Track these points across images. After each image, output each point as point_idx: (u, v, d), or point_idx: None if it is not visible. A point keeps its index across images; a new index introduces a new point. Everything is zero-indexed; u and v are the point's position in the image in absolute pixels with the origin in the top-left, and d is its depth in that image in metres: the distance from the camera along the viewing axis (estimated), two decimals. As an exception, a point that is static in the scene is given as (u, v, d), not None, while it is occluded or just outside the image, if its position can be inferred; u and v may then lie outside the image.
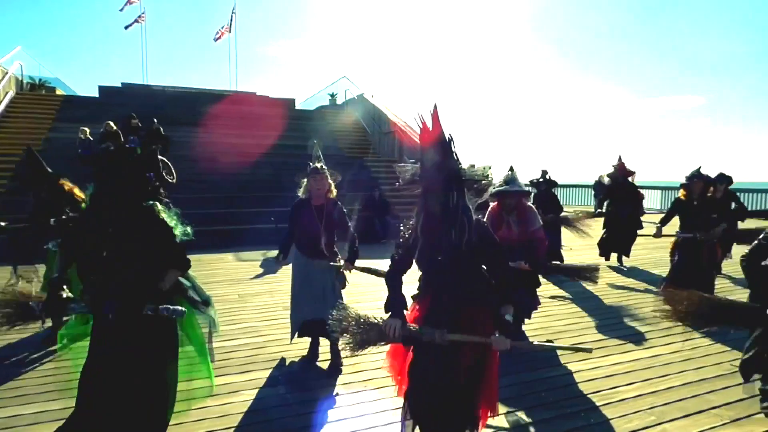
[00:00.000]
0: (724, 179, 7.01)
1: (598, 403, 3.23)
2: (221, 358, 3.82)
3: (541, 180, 8.76)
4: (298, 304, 3.88)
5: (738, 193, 7.33)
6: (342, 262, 3.83)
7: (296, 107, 19.96)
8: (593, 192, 16.34)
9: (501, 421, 2.97)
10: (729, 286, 6.55)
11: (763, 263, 2.71)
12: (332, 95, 21.24)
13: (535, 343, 3.33)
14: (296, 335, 3.92)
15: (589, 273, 4.18)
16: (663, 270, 6.79)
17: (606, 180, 8.96)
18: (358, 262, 3.85)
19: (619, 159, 8.41)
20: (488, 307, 2.35)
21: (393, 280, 2.49)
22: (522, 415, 3.09)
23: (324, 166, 3.78)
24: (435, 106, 2.21)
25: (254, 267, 7.76)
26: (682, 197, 5.72)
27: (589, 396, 3.35)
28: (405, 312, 2.43)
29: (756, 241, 2.84)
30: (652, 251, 8.77)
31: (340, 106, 20.53)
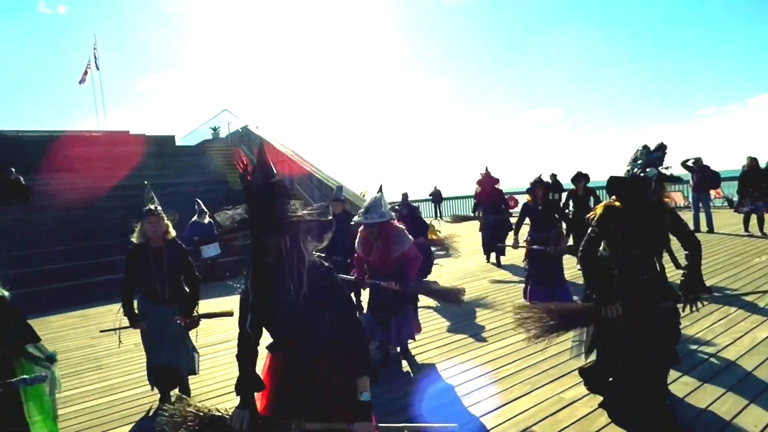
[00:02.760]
0: (581, 177, 8.09)
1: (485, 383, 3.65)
2: (124, 408, 3.68)
3: (400, 205, 7.93)
4: (150, 349, 3.75)
5: (597, 190, 8.48)
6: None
7: (176, 143, 19.11)
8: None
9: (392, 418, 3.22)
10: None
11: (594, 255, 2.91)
12: (215, 129, 20.68)
13: (403, 425, 2.57)
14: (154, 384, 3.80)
15: (454, 296, 4.25)
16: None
17: (477, 189, 9.91)
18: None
19: (486, 169, 9.44)
20: (349, 379, 1.98)
21: (241, 355, 2.07)
22: (439, 400, 3.37)
23: (158, 207, 3.66)
24: (261, 144, 2.13)
25: (123, 320, 7.26)
26: (529, 202, 6.24)
27: (480, 377, 3.76)
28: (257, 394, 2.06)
29: (587, 235, 2.94)
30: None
31: (224, 140, 20.07)
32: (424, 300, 5.24)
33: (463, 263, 9.20)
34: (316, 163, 14.80)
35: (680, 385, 3.35)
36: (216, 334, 5.61)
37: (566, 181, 8.72)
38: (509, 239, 7.40)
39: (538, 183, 5.96)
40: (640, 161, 2.87)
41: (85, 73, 20.91)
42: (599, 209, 2.96)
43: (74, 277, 9.49)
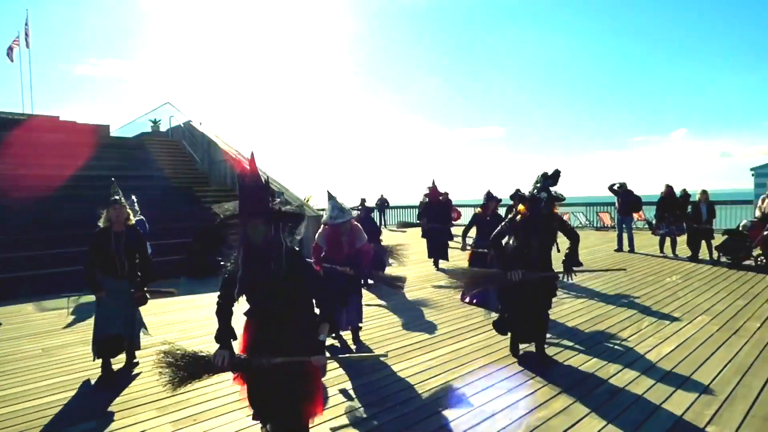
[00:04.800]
0: (516, 196, 8.56)
1: (412, 395, 3.74)
2: (19, 422, 3.44)
3: (360, 207, 9.79)
4: (100, 322, 4.33)
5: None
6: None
7: (111, 134, 18.10)
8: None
9: (341, 420, 3.25)
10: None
11: (503, 242, 4.35)
12: (154, 121, 19.77)
13: (347, 356, 3.87)
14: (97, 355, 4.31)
15: (397, 282, 5.29)
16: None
17: (425, 200, 10.43)
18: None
19: (433, 183, 9.89)
20: (309, 329, 2.68)
21: (221, 312, 2.70)
22: (357, 413, 3.40)
23: (122, 198, 4.42)
24: (252, 154, 2.68)
25: (62, 316, 6.86)
26: (479, 213, 7.32)
27: (403, 391, 3.83)
28: (234, 341, 2.70)
29: (500, 226, 4.41)
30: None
31: (164, 134, 19.24)
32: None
33: (409, 271, 9.37)
34: (260, 165, 14.53)
35: (581, 406, 3.60)
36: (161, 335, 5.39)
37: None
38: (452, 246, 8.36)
39: (491, 198, 7.14)
40: (538, 185, 4.22)
41: (11, 49, 19.40)
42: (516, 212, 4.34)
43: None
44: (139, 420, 3.47)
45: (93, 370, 4.49)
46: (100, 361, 4.37)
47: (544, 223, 4.21)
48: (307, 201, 10.82)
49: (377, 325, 5.81)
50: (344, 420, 3.38)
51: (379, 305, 6.80)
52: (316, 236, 5.13)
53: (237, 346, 2.77)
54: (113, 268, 4.35)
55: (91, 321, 6.33)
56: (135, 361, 4.67)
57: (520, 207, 4.31)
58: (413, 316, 6.17)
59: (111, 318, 4.34)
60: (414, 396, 3.74)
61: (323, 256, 5.05)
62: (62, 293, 8.06)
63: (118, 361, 4.60)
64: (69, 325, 6.38)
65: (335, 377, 4.14)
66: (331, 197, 4.87)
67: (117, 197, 4.41)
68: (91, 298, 5.18)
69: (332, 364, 4.39)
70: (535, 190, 4.20)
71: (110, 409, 3.69)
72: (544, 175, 4.19)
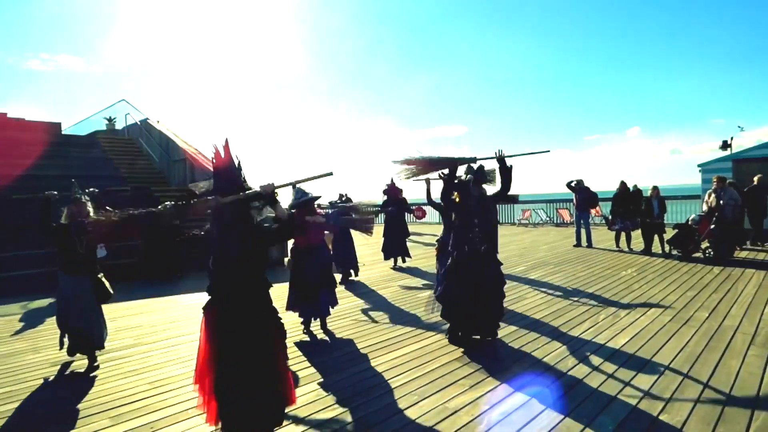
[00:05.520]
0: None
1: (378, 393, 3.73)
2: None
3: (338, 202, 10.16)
4: (62, 315, 4.57)
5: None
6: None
7: (62, 132, 17.30)
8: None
9: (319, 417, 3.21)
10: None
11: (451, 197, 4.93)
12: (109, 119, 19.04)
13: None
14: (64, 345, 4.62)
15: (367, 224, 5.54)
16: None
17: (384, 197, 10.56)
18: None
19: (391, 180, 9.99)
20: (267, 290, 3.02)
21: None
22: (331, 412, 3.37)
23: (84, 197, 4.64)
24: (227, 140, 2.92)
25: (11, 322, 6.52)
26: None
27: (372, 388, 3.83)
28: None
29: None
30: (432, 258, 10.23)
31: (120, 132, 18.55)
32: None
33: (371, 270, 9.41)
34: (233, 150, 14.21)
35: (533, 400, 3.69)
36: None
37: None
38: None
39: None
40: (468, 174, 5.02)
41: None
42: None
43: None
44: (93, 430, 3.33)
45: (42, 380, 4.30)
46: (53, 367, 4.33)
47: (480, 202, 4.90)
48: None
49: (345, 325, 5.79)
50: (316, 418, 3.35)
51: (350, 302, 6.76)
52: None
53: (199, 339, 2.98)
54: (72, 264, 4.56)
55: (41, 328, 6.12)
56: (96, 364, 4.59)
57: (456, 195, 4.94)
58: (380, 314, 6.18)
59: (73, 311, 4.54)
60: (380, 394, 3.73)
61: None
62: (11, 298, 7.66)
63: (80, 366, 4.48)
64: (18, 332, 6.08)
65: (310, 375, 4.10)
66: (295, 187, 5.17)
67: (78, 195, 4.62)
68: (44, 302, 5.19)
69: (306, 363, 4.35)
70: (464, 177, 5.03)
71: (63, 418, 3.53)
72: (470, 168, 5.02)
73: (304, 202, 5.26)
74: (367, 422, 3.30)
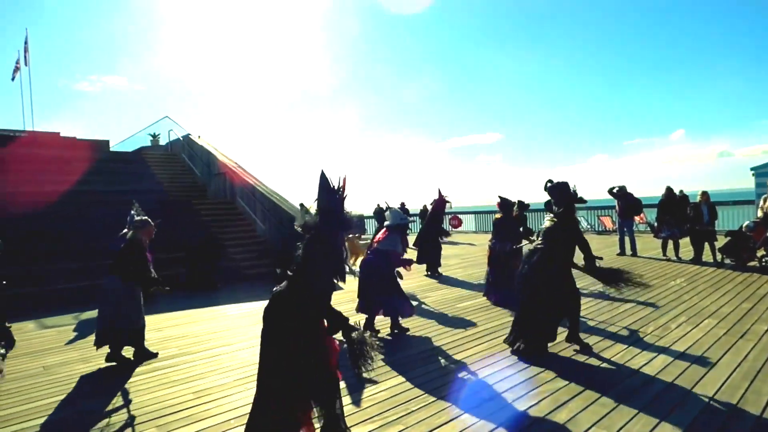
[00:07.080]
0: (510, 204, 8.60)
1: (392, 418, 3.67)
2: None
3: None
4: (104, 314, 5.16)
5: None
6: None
7: (111, 149, 18.16)
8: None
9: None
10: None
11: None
12: (154, 135, 19.84)
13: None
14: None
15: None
16: (471, 277, 7.89)
17: (429, 207, 10.76)
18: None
19: (439, 191, 10.00)
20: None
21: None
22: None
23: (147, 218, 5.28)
24: (345, 177, 3.05)
25: (64, 333, 6.82)
26: (497, 218, 7.84)
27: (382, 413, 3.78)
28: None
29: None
30: (466, 268, 10.11)
31: (163, 147, 19.29)
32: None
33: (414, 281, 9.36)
34: (259, 176, 14.52)
35: (598, 406, 3.54)
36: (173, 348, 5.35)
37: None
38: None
39: (513, 205, 7.85)
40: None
41: (16, 69, 19.53)
42: None
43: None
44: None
45: (94, 388, 4.45)
46: (102, 376, 4.56)
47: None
48: (310, 209, 10.95)
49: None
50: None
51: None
52: (388, 242, 5.91)
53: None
54: (137, 274, 5.28)
55: (91, 338, 6.36)
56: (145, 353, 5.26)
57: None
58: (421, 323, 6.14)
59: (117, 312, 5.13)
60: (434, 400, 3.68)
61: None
62: (64, 310, 8.02)
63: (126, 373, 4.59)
64: (70, 341, 6.34)
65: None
66: (389, 208, 6.25)
67: (144, 217, 5.49)
68: (93, 313, 5.41)
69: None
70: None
71: (111, 427, 3.64)
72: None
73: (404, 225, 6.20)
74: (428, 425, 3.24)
